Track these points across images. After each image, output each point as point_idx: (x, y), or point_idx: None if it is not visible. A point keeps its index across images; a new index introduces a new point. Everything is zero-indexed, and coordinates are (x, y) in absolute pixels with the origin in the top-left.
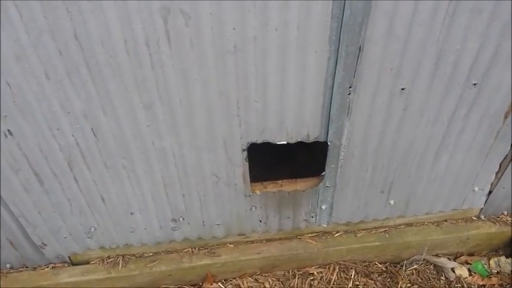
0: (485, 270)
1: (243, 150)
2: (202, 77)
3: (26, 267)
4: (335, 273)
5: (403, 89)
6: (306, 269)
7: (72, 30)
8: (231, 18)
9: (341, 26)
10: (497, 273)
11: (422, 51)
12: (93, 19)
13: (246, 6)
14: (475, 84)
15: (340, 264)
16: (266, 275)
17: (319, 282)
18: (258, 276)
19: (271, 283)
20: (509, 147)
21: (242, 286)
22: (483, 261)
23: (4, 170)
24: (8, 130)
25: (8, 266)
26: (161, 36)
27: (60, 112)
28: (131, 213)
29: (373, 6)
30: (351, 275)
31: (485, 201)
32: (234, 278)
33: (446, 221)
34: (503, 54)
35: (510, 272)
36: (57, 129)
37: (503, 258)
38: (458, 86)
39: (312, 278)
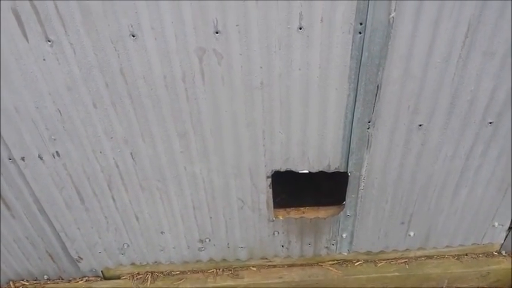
0: None
1: (267, 177)
2: (232, 109)
3: (62, 279)
4: None
5: (420, 125)
6: None
7: (119, 66)
8: (258, 58)
9: (360, 66)
10: None
11: (438, 91)
12: (137, 57)
13: (272, 48)
14: (491, 123)
15: None
16: None
17: None
18: None
19: None
20: None
21: None
22: None
23: (50, 188)
24: (56, 152)
25: (45, 277)
26: (196, 73)
27: (103, 137)
28: (162, 233)
29: (389, 49)
30: None
31: (506, 236)
32: None
33: (466, 254)
34: None
35: None
36: (100, 152)
37: None
38: (474, 124)
39: None
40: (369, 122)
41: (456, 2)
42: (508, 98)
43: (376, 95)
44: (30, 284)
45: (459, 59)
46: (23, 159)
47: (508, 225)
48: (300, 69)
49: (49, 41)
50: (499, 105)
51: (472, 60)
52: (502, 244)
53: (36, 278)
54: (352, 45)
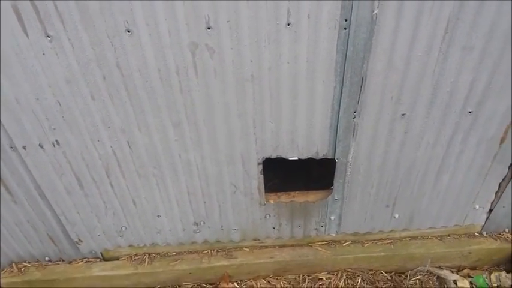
0: (486, 284)
1: (259, 164)
2: (224, 100)
3: (62, 260)
4: (342, 280)
5: (403, 115)
6: (315, 274)
7: (115, 60)
8: (248, 52)
9: (345, 60)
10: (498, 287)
11: (420, 83)
12: (132, 52)
13: (262, 42)
14: (470, 112)
15: (347, 271)
16: (278, 278)
17: (327, 287)
18: (271, 279)
19: (282, 286)
20: (507, 169)
21: (256, 287)
22: (484, 275)
23: (50, 174)
24: (56, 140)
25: (46, 258)
26: (189, 67)
27: (101, 126)
28: (158, 216)
29: (373, 44)
30: (358, 282)
31: (486, 218)
32: (249, 280)
33: (449, 235)
34: (496, 86)
35: (510, 287)
36: (98, 141)
37: (503, 273)
38: (455, 114)
39: (320, 283)
40: (355, 112)
41: (436, 1)
42: (486, 89)
43: (361, 86)
44: (32, 265)
45: (439, 52)
46: (24, 147)
47: (488, 207)
48: (288, 63)
49: (48, 37)
50: (478, 95)
51: (452, 54)
52: (483, 225)
53: (38, 259)
54: (337, 40)
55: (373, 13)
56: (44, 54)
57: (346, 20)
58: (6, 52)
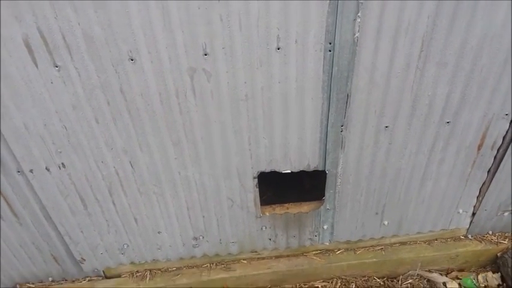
0: (474, 284)
1: (254, 178)
2: (220, 119)
3: (65, 280)
4: (337, 287)
5: (386, 127)
6: (311, 283)
7: (119, 86)
8: (242, 74)
9: (331, 78)
10: (485, 287)
11: (400, 97)
12: (135, 78)
13: (254, 65)
14: (448, 122)
15: (341, 278)
16: None
17: None
18: None
19: None
20: (486, 174)
21: None
22: (472, 277)
23: (55, 196)
24: (62, 163)
25: (50, 279)
26: (188, 89)
27: (105, 148)
28: (159, 232)
29: (356, 64)
30: None
31: (470, 222)
32: None
33: (436, 239)
34: (469, 97)
35: (497, 286)
36: (102, 162)
37: (490, 274)
38: (434, 124)
39: None
40: (342, 126)
41: (410, 23)
42: (461, 100)
43: (347, 102)
44: (35, 286)
45: (417, 69)
46: (31, 171)
47: (471, 211)
48: (279, 83)
49: (56, 67)
50: (454, 106)
51: (428, 70)
52: (468, 229)
53: (41, 280)
54: (323, 61)
55: (355, 36)
56: (52, 82)
57: (330, 43)
58: (16, 81)
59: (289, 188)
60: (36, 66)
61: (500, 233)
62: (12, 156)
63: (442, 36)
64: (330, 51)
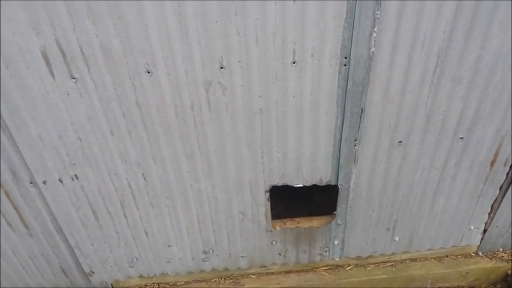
0: None
1: (266, 191)
2: (234, 132)
3: None
4: None
5: (400, 142)
6: None
7: (135, 98)
8: (258, 88)
9: (346, 93)
10: None
11: (415, 112)
12: (151, 90)
13: (270, 79)
14: (461, 138)
15: None
16: None
17: None
18: None
19: None
20: (498, 191)
21: None
22: None
23: (68, 208)
24: (75, 175)
25: None
26: (203, 102)
27: (118, 160)
28: (169, 246)
29: (371, 78)
30: None
31: (481, 238)
32: None
33: (447, 256)
34: (483, 113)
35: None
36: (115, 174)
37: None
38: (447, 140)
39: None
40: (355, 140)
41: (426, 38)
42: (475, 116)
43: (361, 116)
44: None
45: (431, 84)
46: (44, 182)
47: (482, 228)
48: (294, 97)
49: (73, 78)
50: (468, 122)
51: (443, 85)
52: (479, 246)
53: None
54: (338, 76)
55: (370, 51)
56: (68, 94)
57: (346, 58)
58: (33, 93)
59: (299, 202)
60: (53, 77)
61: (511, 250)
62: (26, 168)
63: (458, 52)
64: (345, 65)
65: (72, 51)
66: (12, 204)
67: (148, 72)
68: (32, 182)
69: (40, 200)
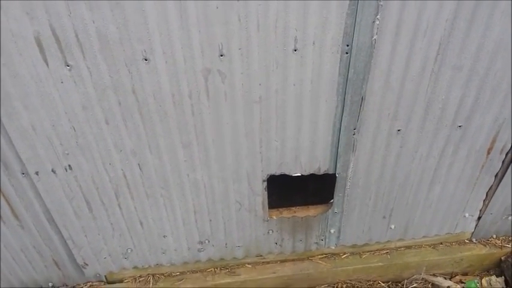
0: None
1: (263, 181)
2: (233, 121)
3: (66, 285)
4: None
5: (399, 130)
6: (316, 287)
7: (131, 86)
8: (257, 76)
9: (346, 81)
10: None
11: (414, 100)
12: (148, 78)
13: (270, 67)
14: (460, 126)
15: (347, 282)
16: None
17: None
18: None
19: None
20: (493, 179)
21: None
22: (476, 280)
23: (61, 199)
24: (69, 165)
25: (50, 284)
26: (202, 91)
27: (113, 150)
28: (164, 236)
29: (372, 66)
30: None
31: (476, 225)
32: None
33: (441, 243)
34: (482, 101)
35: None
36: (109, 164)
37: (494, 278)
38: (446, 128)
39: None
40: (355, 129)
41: (428, 26)
42: (474, 104)
43: (361, 105)
44: None
45: (432, 72)
46: (36, 173)
47: (477, 215)
48: (294, 85)
49: (68, 66)
50: (467, 111)
51: (443, 74)
52: (473, 233)
53: (41, 285)
54: (339, 64)
55: (373, 38)
56: (62, 82)
57: (347, 45)
58: (25, 81)
59: (293, 191)
60: (47, 65)
61: (504, 237)
62: (17, 158)
63: (459, 40)
64: (347, 53)
65: (67, 37)
66: (3, 195)
67: (146, 60)
68: (24, 173)
69: (32, 191)
